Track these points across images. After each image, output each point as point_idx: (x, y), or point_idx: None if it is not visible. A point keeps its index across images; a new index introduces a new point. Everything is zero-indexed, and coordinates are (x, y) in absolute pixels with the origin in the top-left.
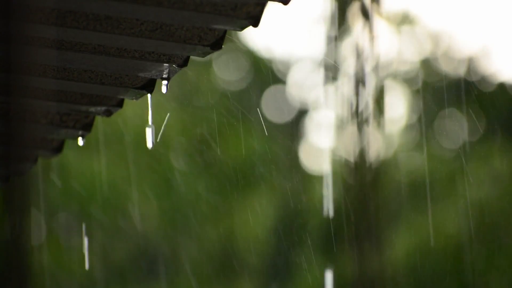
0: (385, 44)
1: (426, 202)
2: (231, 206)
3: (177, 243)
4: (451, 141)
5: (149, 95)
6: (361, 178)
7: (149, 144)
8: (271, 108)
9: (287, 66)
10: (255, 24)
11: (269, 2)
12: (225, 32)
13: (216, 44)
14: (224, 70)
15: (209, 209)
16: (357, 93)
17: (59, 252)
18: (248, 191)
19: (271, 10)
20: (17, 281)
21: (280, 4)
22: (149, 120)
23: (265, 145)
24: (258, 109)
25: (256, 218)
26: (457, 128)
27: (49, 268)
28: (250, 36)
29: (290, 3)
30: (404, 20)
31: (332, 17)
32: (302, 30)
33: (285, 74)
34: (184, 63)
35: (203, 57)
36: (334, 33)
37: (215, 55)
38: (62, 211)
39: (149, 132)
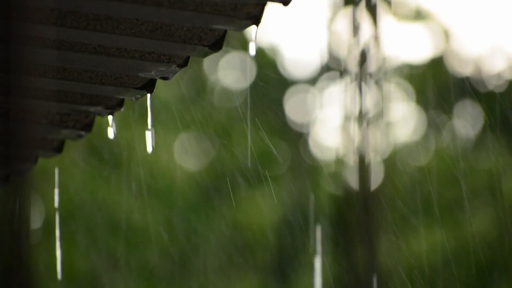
0: (391, 43)
1: (431, 203)
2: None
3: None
4: (459, 140)
5: (148, 98)
6: (365, 177)
7: (149, 149)
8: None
9: (290, 65)
10: (256, 24)
11: (269, 2)
12: (225, 32)
13: (216, 44)
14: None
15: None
16: (361, 93)
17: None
18: (254, 186)
19: (273, 10)
20: (17, 277)
21: (280, 4)
22: (149, 124)
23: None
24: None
25: (262, 213)
26: (464, 127)
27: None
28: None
29: (290, 3)
30: (411, 18)
31: (338, 16)
32: (306, 29)
33: (289, 74)
34: (184, 63)
35: (203, 57)
36: (339, 31)
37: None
38: None
39: (148, 136)
